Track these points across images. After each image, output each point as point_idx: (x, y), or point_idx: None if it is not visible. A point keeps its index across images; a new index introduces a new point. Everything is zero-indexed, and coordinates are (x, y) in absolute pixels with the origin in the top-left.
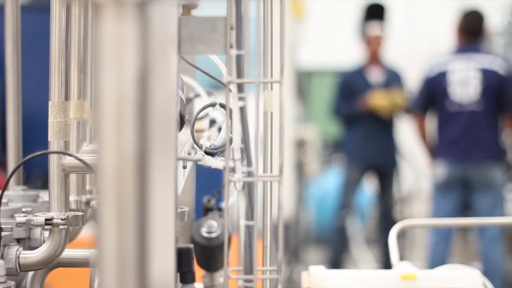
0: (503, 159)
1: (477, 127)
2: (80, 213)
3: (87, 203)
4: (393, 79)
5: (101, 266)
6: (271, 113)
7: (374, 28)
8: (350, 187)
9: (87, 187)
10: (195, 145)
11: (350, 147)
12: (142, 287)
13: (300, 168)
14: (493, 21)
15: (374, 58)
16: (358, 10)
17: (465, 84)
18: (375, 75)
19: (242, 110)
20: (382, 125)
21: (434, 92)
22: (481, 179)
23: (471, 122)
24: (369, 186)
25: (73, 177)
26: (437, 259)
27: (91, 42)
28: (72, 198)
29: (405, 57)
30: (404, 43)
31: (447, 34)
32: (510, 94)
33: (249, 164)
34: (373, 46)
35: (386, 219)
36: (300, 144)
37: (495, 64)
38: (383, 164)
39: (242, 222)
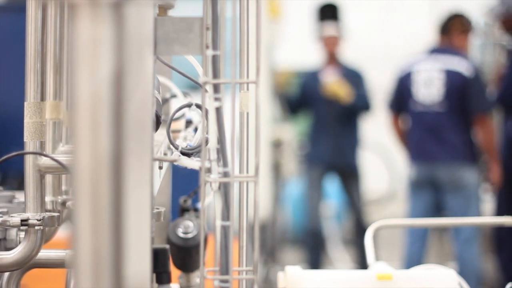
0: (474, 160)
1: (442, 128)
2: (56, 214)
3: (63, 203)
4: (349, 78)
5: (77, 267)
6: (247, 113)
7: (328, 28)
8: (313, 188)
9: (63, 187)
10: (171, 146)
11: (309, 147)
12: (117, 287)
13: (276, 169)
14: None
15: (331, 58)
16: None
17: (428, 85)
18: (329, 75)
19: (218, 110)
20: (342, 125)
21: (402, 92)
22: (449, 180)
23: (435, 123)
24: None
25: (49, 178)
26: (412, 260)
27: (67, 43)
28: (48, 198)
29: (382, 57)
30: (381, 43)
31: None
32: (474, 96)
33: (225, 164)
34: (329, 47)
35: (356, 221)
36: (277, 145)
37: (460, 65)
38: (343, 164)
39: (218, 223)
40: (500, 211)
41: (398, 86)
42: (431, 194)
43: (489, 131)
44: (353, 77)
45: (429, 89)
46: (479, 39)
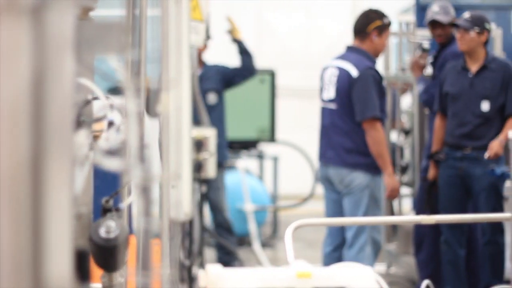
0: (366, 163)
1: (333, 128)
2: None
3: None
4: (207, 73)
5: None
6: (170, 114)
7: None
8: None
9: None
10: (93, 147)
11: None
12: None
13: (198, 169)
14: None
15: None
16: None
17: (328, 83)
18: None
19: (140, 111)
20: (216, 124)
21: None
22: (339, 182)
23: (328, 122)
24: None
25: None
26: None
27: None
28: None
29: (304, 57)
30: (303, 43)
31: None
32: (355, 99)
33: (146, 165)
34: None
35: (215, 224)
36: (199, 145)
37: (351, 64)
38: (219, 161)
39: (140, 223)
40: (418, 211)
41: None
42: (333, 194)
43: (373, 137)
44: (210, 72)
45: (328, 87)
46: (395, 38)
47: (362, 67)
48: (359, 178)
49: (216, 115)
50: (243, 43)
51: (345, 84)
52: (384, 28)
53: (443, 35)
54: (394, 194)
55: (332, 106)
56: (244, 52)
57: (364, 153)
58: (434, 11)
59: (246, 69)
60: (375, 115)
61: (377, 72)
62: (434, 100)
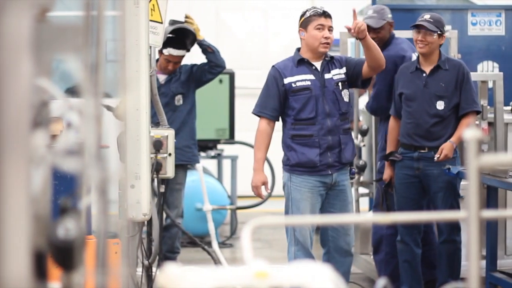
0: (284, 161)
1: None
2: None
3: None
4: (176, 74)
5: None
6: (128, 114)
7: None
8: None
9: None
10: (50, 148)
11: None
12: None
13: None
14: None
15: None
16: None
17: None
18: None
19: (99, 112)
20: (179, 125)
21: None
22: None
23: None
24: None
25: None
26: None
27: None
28: None
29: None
30: (261, 44)
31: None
32: None
33: (105, 165)
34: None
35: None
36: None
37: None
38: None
39: (99, 223)
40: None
41: None
42: None
43: (256, 133)
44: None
45: None
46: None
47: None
48: (284, 177)
49: (183, 117)
50: (205, 41)
51: None
52: (305, 22)
53: (375, 39)
54: (254, 190)
55: None
56: (208, 50)
57: (285, 151)
58: (367, 15)
59: (215, 65)
60: (254, 112)
61: (277, 71)
62: (380, 106)
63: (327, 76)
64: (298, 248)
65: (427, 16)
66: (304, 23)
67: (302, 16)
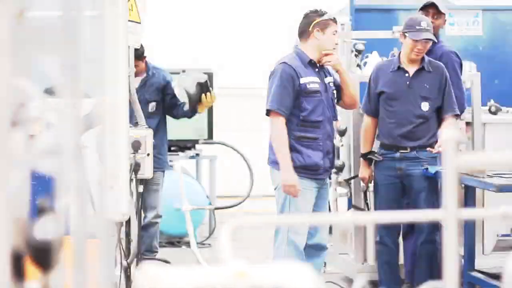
0: (276, 160)
1: None
2: None
3: None
4: (152, 78)
5: None
6: (107, 115)
7: None
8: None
9: None
10: (29, 148)
11: None
12: None
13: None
14: None
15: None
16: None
17: None
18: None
19: (77, 112)
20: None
21: None
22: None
23: None
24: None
25: None
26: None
27: None
28: None
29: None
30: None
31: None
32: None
33: (84, 165)
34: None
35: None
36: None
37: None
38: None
39: (76, 223)
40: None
41: None
42: None
43: (272, 132)
44: (152, 78)
45: None
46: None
47: (278, 63)
48: (274, 175)
49: (155, 124)
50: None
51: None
52: (324, 24)
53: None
54: (287, 190)
55: None
56: (192, 108)
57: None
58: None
59: (182, 114)
60: (272, 108)
61: (293, 69)
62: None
63: (326, 80)
64: (291, 249)
65: (424, 24)
66: (323, 25)
67: (315, 15)
